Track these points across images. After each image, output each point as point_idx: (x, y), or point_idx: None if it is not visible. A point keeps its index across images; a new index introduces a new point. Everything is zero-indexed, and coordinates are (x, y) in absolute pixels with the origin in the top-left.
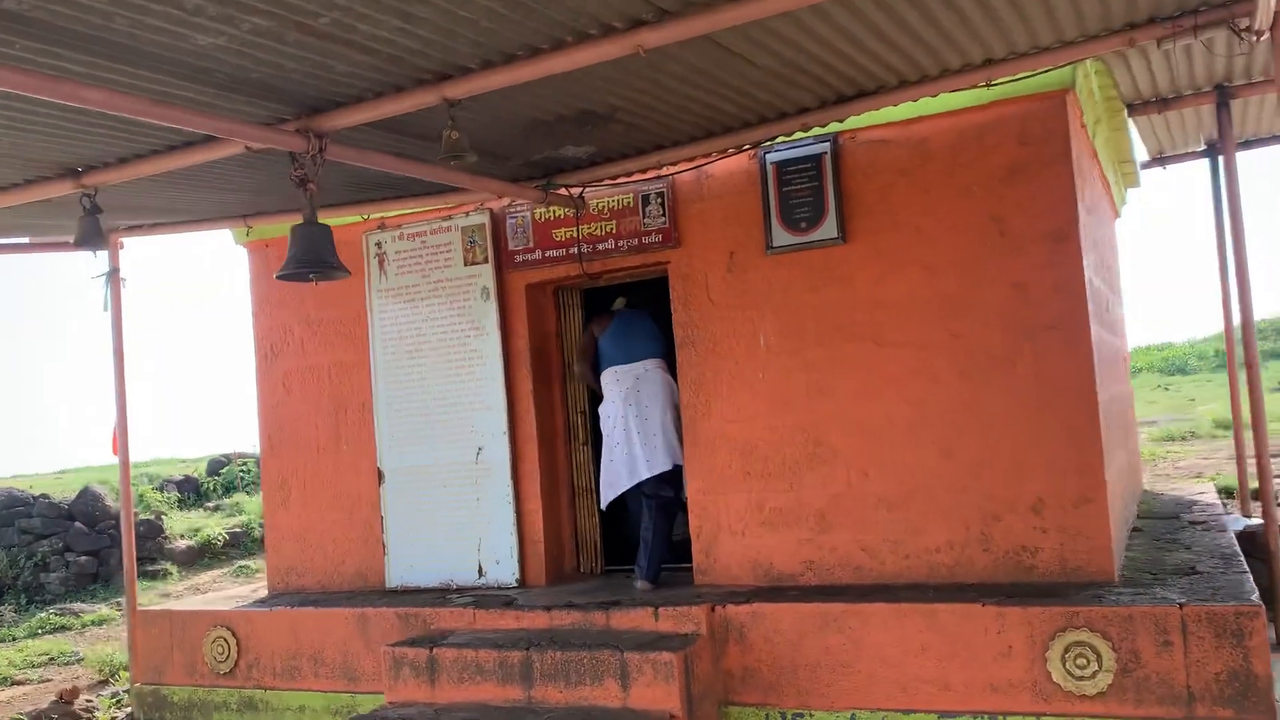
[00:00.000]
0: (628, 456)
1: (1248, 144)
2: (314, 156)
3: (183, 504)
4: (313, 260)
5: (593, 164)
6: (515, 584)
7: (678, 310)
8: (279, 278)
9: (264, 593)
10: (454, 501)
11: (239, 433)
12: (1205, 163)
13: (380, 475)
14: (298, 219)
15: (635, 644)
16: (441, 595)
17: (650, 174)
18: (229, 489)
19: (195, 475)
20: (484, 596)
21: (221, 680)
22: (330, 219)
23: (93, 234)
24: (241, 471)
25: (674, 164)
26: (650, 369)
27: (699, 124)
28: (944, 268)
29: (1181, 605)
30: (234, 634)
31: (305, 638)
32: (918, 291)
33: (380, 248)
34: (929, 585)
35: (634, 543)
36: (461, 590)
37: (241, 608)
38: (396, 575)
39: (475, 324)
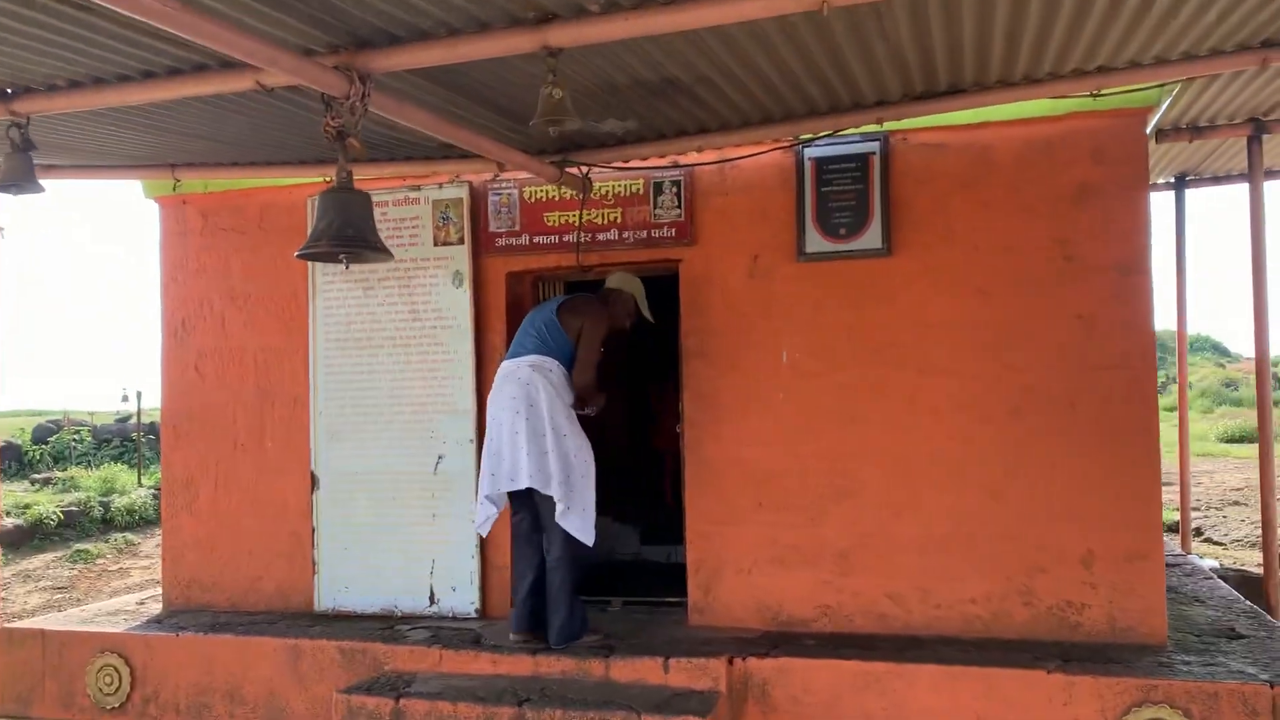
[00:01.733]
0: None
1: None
2: (356, 103)
3: (5, 474)
4: (348, 237)
5: (621, 143)
6: (475, 614)
7: (687, 316)
8: (301, 256)
9: (154, 607)
10: (404, 516)
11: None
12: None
13: (313, 480)
14: (251, 174)
15: (649, 703)
16: (387, 625)
17: (666, 160)
18: (59, 459)
19: (18, 441)
20: (441, 630)
21: (108, 716)
22: (268, 177)
23: (22, 174)
24: (74, 440)
25: (717, 148)
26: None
27: (763, 108)
28: (1001, 292)
29: (1272, 685)
30: (127, 662)
31: (220, 670)
32: (969, 316)
33: None
34: (963, 640)
35: (607, 578)
36: (409, 620)
37: (136, 629)
38: (329, 597)
39: (444, 315)
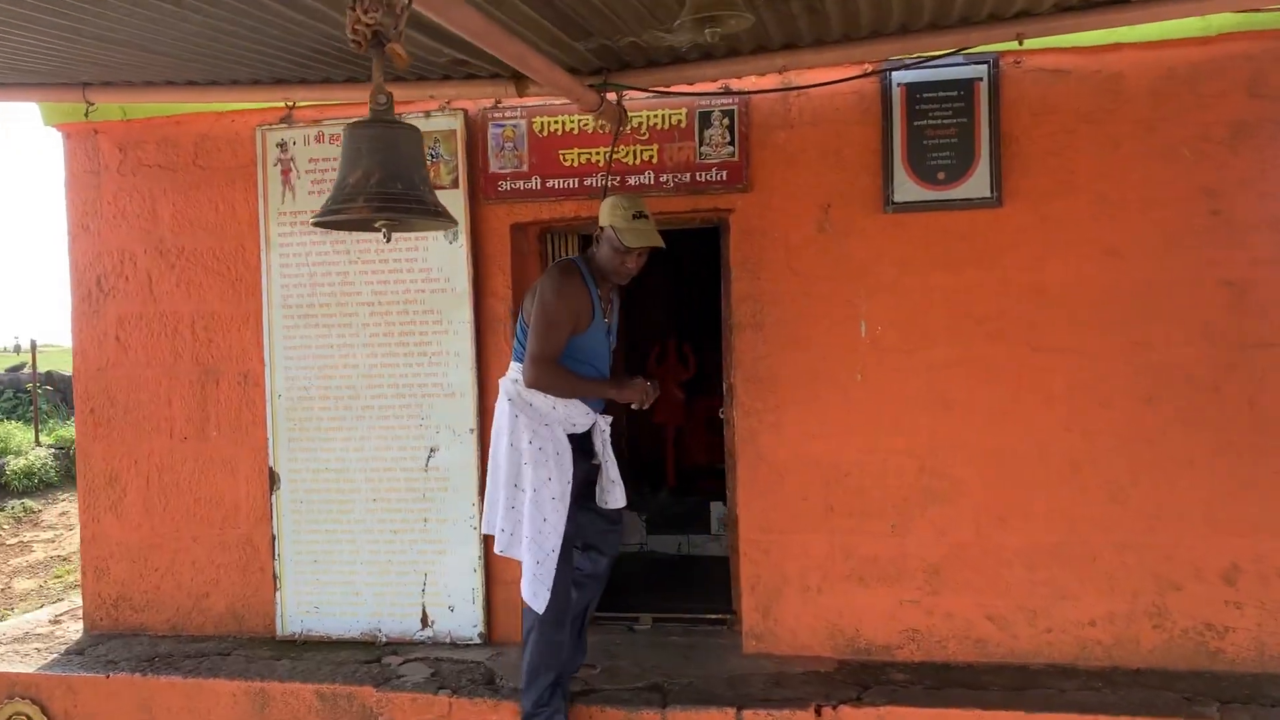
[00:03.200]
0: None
1: None
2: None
3: None
4: (396, 195)
5: (679, 61)
6: (479, 640)
7: (739, 278)
8: (319, 223)
9: (73, 629)
10: (388, 522)
11: None
12: None
13: (273, 478)
14: (186, 97)
15: None
16: (371, 656)
17: (716, 85)
18: None
19: None
20: (441, 663)
21: None
22: (210, 101)
23: None
24: None
25: (809, 67)
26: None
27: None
28: (1132, 252)
29: None
30: (44, 711)
31: None
32: (1093, 281)
33: (284, 151)
34: (1080, 670)
35: (621, 580)
36: (398, 647)
37: (53, 666)
38: (294, 619)
39: (435, 275)
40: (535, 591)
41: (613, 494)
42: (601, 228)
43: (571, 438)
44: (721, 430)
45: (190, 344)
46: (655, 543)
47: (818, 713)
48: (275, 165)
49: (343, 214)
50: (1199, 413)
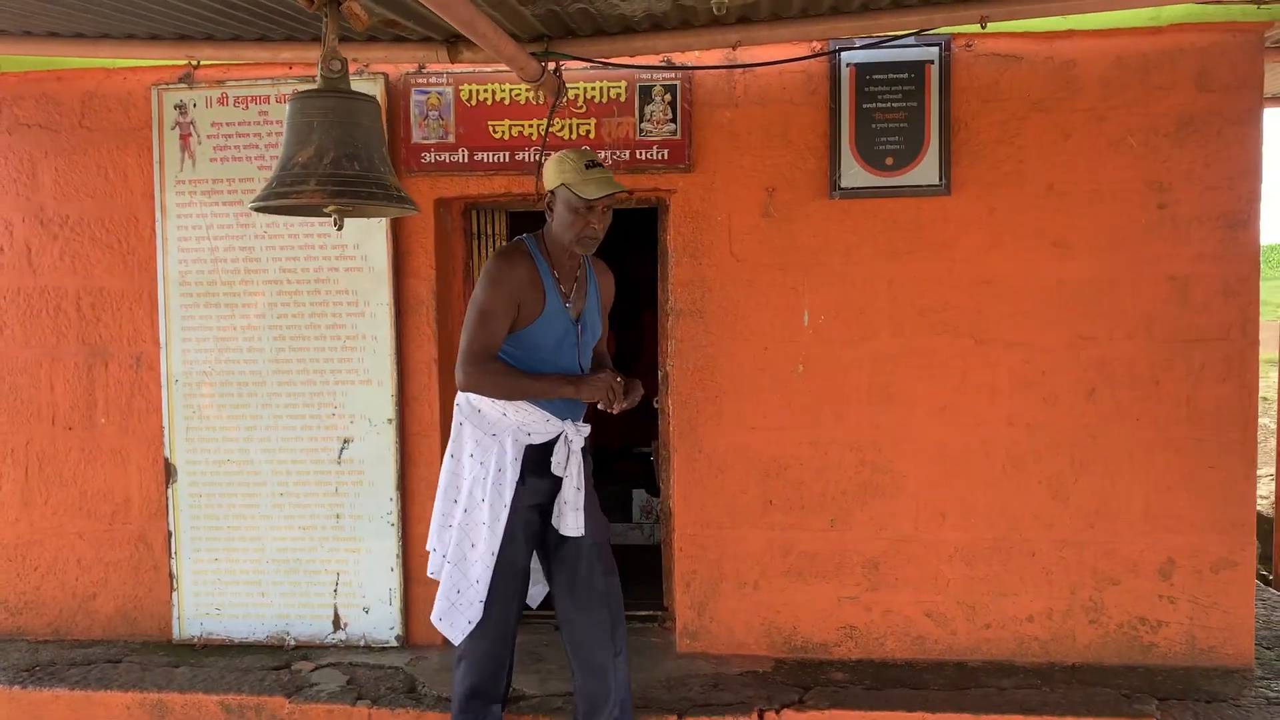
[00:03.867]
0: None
1: None
2: None
3: None
4: (352, 177)
5: (629, 31)
6: (396, 643)
7: (679, 263)
8: (260, 208)
9: None
10: (297, 518)
11: None
12: None
13: (169, 470)
14: (74, 50)
15: None
16: (279, 661)
17: (659, 58)
18: None
19: None
20: (356, 669)
21: None
22: (101, 57)
23: None
24: None
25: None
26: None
27: None
28: (1079, 244)
29: None
30: None
31: None
32: (1040, 273)
33: (184, 114)
34: (1018, 666)
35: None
36: (308, 651)
37: None
38: (193, 621)
39: (351, 253)
40: (452, 621)
41: (566, 519)
42: (550, 192)
43: (532, 450)
44: (639, 413)
45: (75, 323)
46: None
47: (760, 717)
48: (173, 129)
49: (289, 198)
50: (1138, 407)
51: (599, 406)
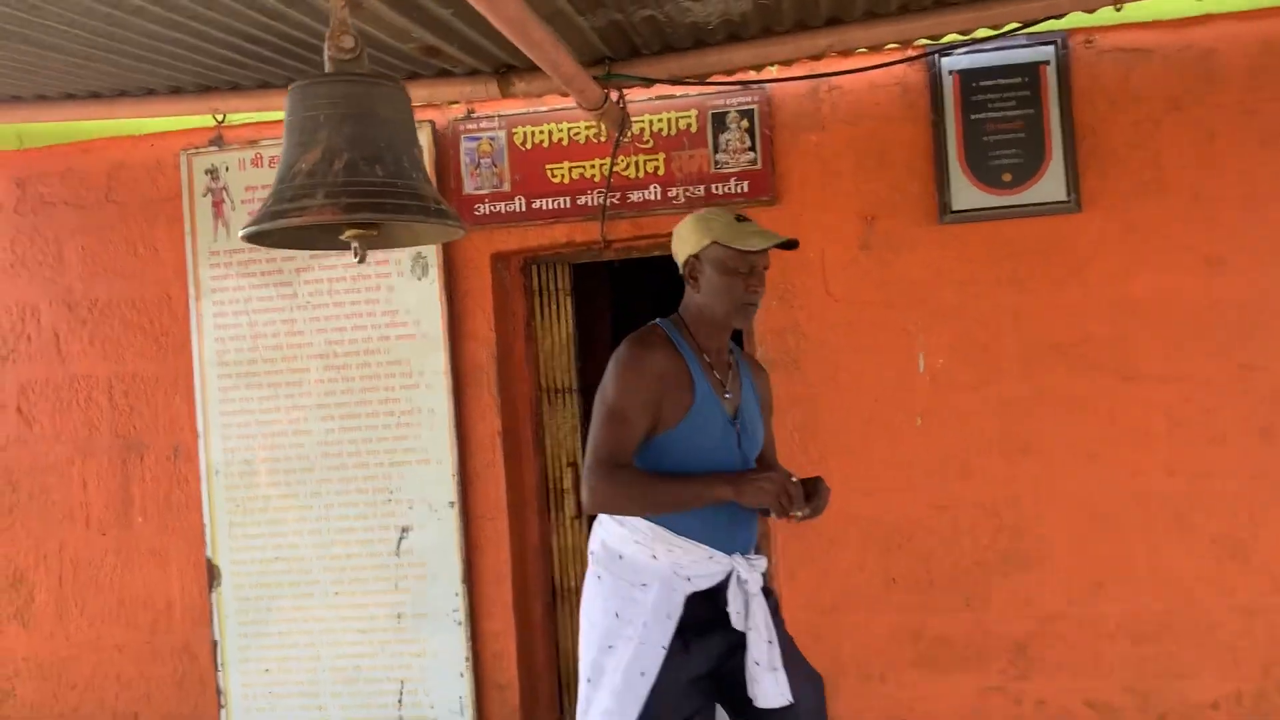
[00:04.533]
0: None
1: None
2: None
3: None
4: (376, 188)
5: (700, 45)
6: None
7: (767, 309)
8: (250, 236)
9: None
10: (354, 619)
11: None
12: None
13: (212, 571)
14: (92, 112)
15: None
16: None
17: (736, 75)
18: None
19: None
20: None
21: None
22: (120, 116)
23: None
24: None
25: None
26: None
27: None
28: (1234, 259)
29: None
30: None
31: None
32: (1190, 295)
33: (215, 179)
34: None
35: None
36: None
37: None
38: None
39: (402, 319)
40: None
41: (763, 685)
42: (693, 257)
43: (695, 602)
44: None
45: (108, 413)
46: None
47: None
48: (205, 196)
49: (289, 216)
50: None
51: (770, 516)
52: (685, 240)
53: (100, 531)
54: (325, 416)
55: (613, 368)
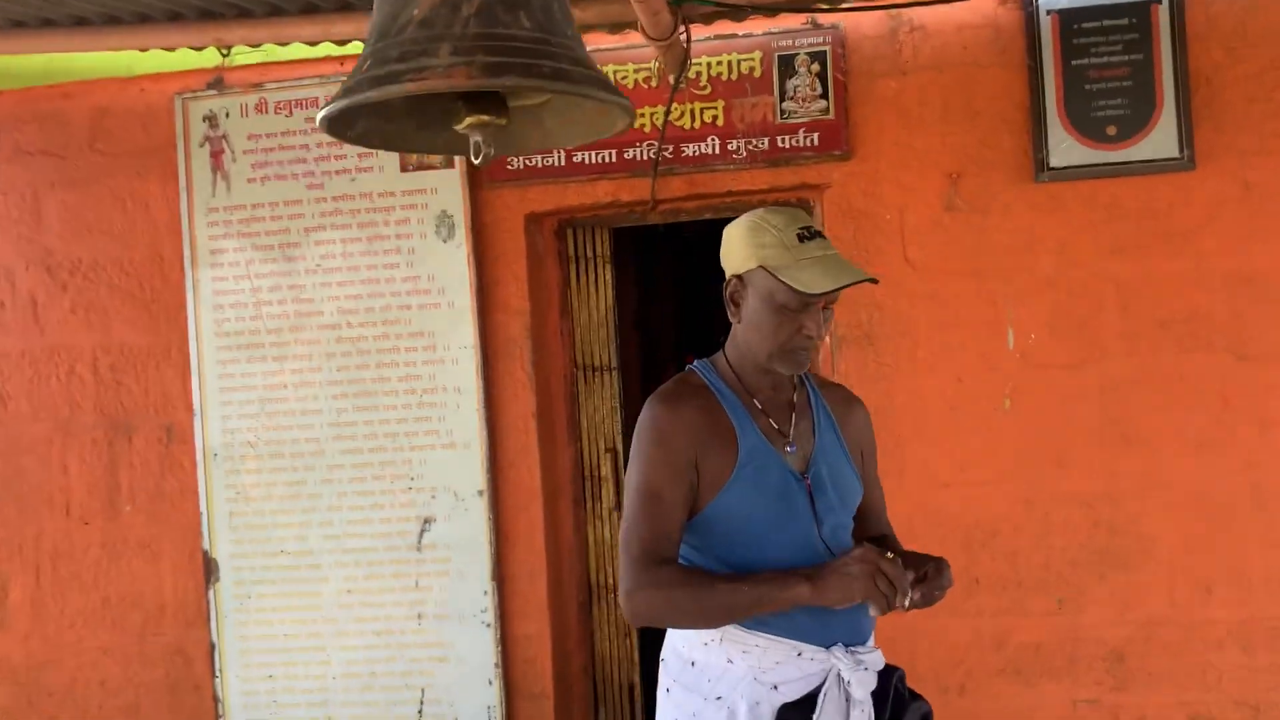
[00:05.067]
0: None
1: None
2: None
3: None
4: (518, 44)
5: None
6: None
7: None
8: (331, 115)
9: None
10: (369, 619)
11: None
12: None
13: (209, 566)
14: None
15: None
16: None
17: (802, 20)
18: None
19: None
20: None
21: None
22: (104, 49)
23: None
24: None
25: None
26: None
27: None
28: None
29: None
30: None
31: None
32: None
33: (214, 127)
34: None
35: None
36: None
37: None
38: None
39: (423, 285)
40: None
41: None
42: (736, 277)
43: (788, 716)
44: None
45: (92, 389)
46: None
47: None
48: (202, 145)
49: (401, 82)
50: None
51: (871, 612)
52: (730, 253)
53: (83, 521)
54: (338, 395)
55: (636, 436)
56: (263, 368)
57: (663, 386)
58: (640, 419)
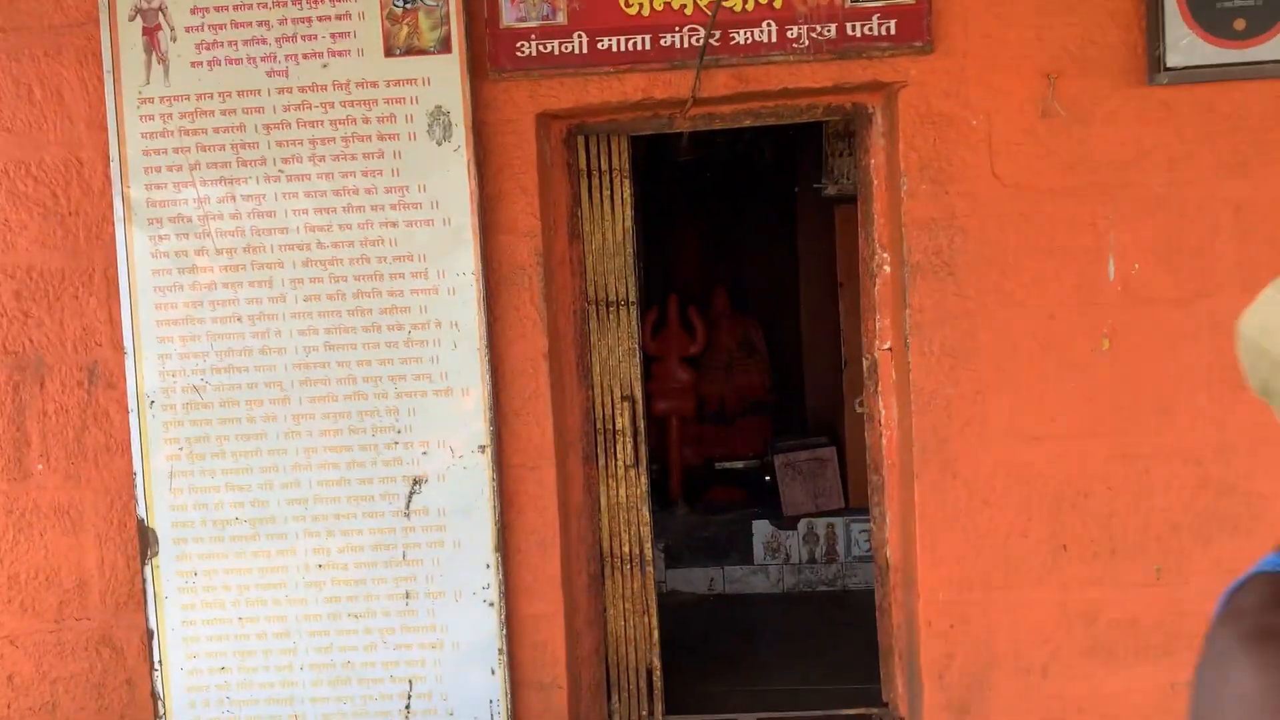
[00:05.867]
0: None
1: None
2: None
3: None
4: None
5: None
6: None
7: (915, 193)
8: None
9: None
10: (345, 599)
11: None
12: None
13: (146, 538)
14: None
15: None
16: None
17: None
18: None
19: None
20: None
21: None
22: None
23: None
24: None
25: None
26: None
27: None
28: None
29: None
30: None
31: None
32: None
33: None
34: None
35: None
36: None
37: None
38: None
39: (412, 199)
40: None
41: None
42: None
43: None
44: (727, 422)
45: None
46: (675, 579)
47: None
48: (133, 20)
49: None
50: None
51: None
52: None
53: None
54: (306, 329)
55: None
56: (211, 297)
57: (1249, 618)
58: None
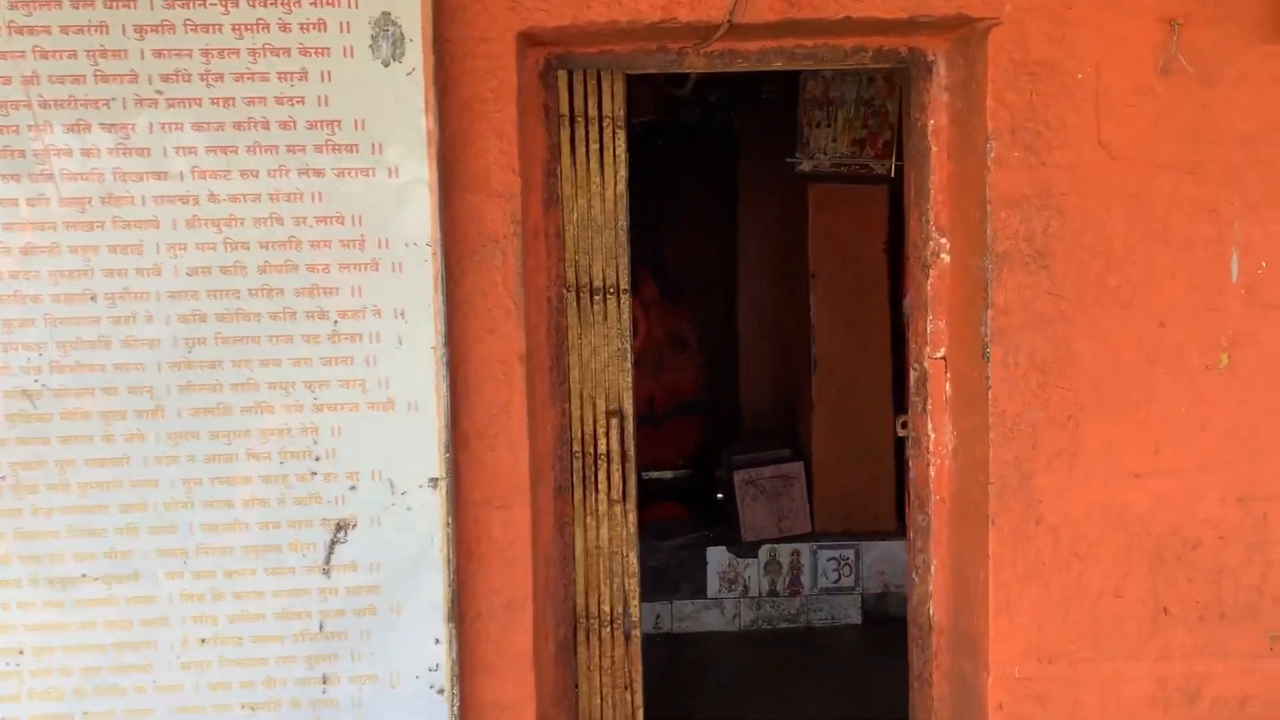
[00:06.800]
0: None
1: None
2: None
3: None
4: None
5: None
6: None
7: (1003, 160)
8: None
9: None
10: (236, 689)
11: None
12: None
13: None
14: None
15: None
16: None
17: None
18: None
19: None
20: None
21: None
22: None
23: None
24: None
25: None
26: None
27: None
28: None
29: None
30: None
31: None
32: None
33: None
34: None
35: None
36: None
37: None
38: None
39: (344, 138)
40: None
41: None
42: None
43: None
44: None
45: None
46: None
47: None
48: None
49: None
50: None
51: None
52: None
53: None
54: (190, 314)
55: None
56: (52, 265)
57: None
58: None
